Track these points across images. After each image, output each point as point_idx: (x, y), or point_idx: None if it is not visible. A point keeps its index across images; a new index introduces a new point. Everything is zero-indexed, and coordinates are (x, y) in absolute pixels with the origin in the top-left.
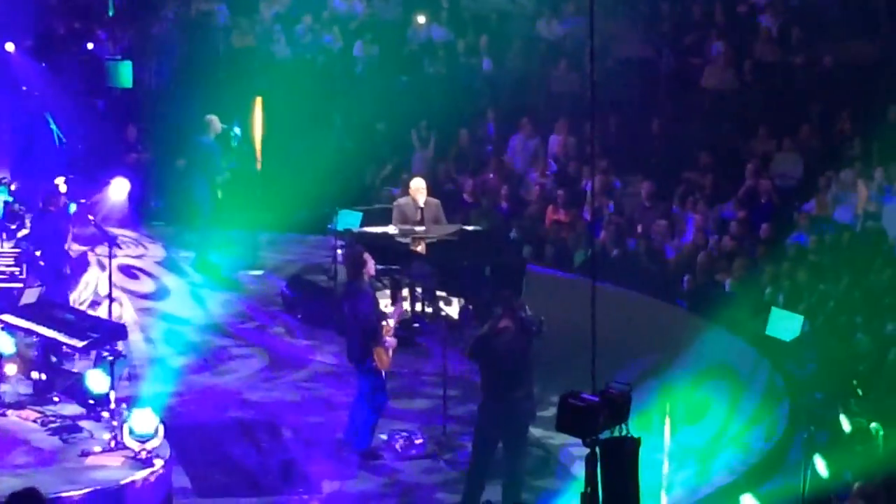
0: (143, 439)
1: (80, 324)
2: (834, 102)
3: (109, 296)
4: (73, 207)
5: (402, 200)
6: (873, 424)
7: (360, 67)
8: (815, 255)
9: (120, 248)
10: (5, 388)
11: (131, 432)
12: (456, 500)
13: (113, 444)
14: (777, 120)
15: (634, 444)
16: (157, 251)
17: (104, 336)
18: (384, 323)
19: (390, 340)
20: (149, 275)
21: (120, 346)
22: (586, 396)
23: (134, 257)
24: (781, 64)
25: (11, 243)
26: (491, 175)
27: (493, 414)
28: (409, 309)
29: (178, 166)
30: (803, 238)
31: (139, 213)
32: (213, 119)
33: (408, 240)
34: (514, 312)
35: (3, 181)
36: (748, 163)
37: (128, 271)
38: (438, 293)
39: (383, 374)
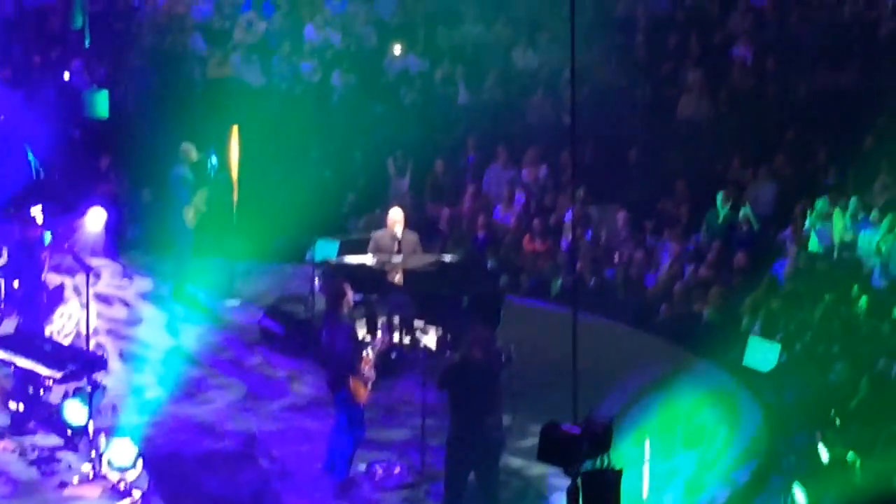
0: (121, 470)
1: (58, 354)
2: (809, 131)
3: (87, 326)
4: (48, 237)
5: (378, 233)
6: (850, 454)
7: (336, 97)
8: (792, 284)
9: (97, 277)
10: None
11: (110, 463)
12: None
13: (91, 474)
14: (752, 149)
15: (616, 475)
16: (133, 281)
17: (82, 366)
18: (364, 354)
19: (369, 373)
20: (126, 304)
21: (98, 376)
22: (568, 427)
23: (110, 287)
24: (756, 93)
25: None
26: (467, 205)
27: (462, 444)
28: (386, 338)
29: (143, 197)
30: (782, 267)
31: (116, 243)
32: (189, 148)
33: (385, 270)
34: (484, 342)
35: None
36: (723, 192)
37: (105, 301)
38: (416, 323)
39: (361, 404)
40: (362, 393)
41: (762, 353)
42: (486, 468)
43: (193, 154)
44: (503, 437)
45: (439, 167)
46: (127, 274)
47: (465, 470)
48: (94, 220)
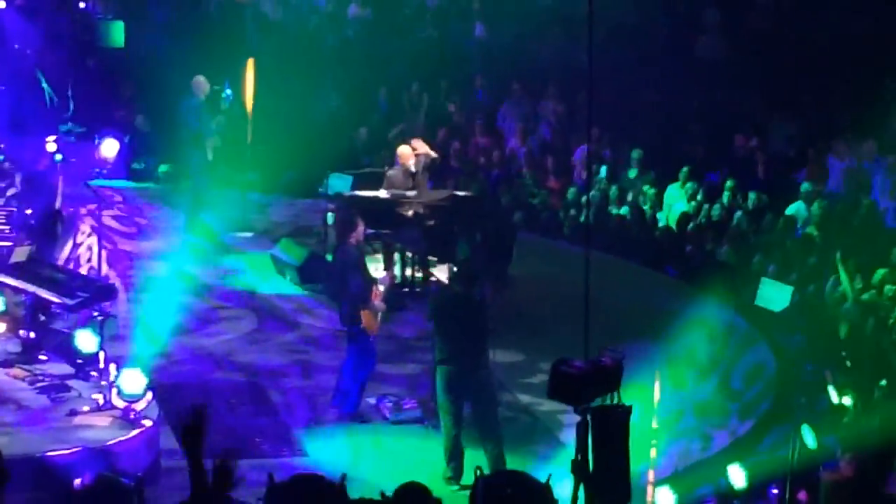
0: (131, 399)
1: (70, 283)
2: (827, 74)
3: (99, 255)
4: (62, 166)
5: (391, 171)
6: (852, 396)
7: (351, 30)
8: (807, 226)
9: (110, 207)
10: None
11: (120, 392)
12: (444, 464)
13: (101, 403)
14: (770, 90)
15: (625, 412)
16: (146, 211)
17: (94, 295)
18: (375, 288)
19: (379, 305)
20: (138, 234)
21: (109, 305)
22: (578, 364)
23: (123, 217)
24: (775, 34)
25: (1, 202)
26: (481, 140)
27: (449, 377)
28: (399, 273)
29: (156, 127)
30: (798, 209)
31: (129, 173)
32: (201, 80)
33: (398, 204)
34: (467, 278)
35: None
36: (740, 133)
37: (117, 230)
38: (429, 258)
39: (372, 338)
40: (373, 326)
41: (775, 294)
42: (478, 403)
43: (205, 86)
44: (489, 374)
45: (454, 103)
46: (139, 204)
47: (456, 402)
48: (108, 149)
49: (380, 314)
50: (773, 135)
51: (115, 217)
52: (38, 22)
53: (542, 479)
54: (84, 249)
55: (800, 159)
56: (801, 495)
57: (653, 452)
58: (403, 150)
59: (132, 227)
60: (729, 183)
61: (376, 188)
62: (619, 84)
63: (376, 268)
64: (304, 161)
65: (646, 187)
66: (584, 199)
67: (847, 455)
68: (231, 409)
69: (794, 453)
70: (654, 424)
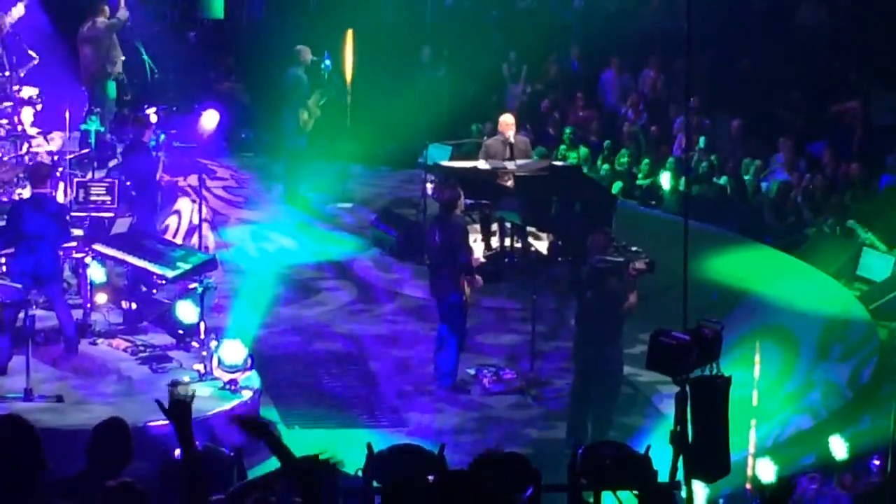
0: (232, 370)
1: (171, 254)
2: None
3: (199, 226)
4: (163, 137)
5: (489, 140)
6: None
7: (450, 0)
8: None
9: (211, 178)
10: (96, 316)
11: (220, 363)
12: (544, 435)
13: (202, 374)
14: (871, 58)
15: (725, 382)
16: (246, 182)
17: (194, 266)
18: (473, 258)
19: (478, 278)
20: (238, 205)
21: (210, 276)
22: (677, 335)
23: (223, 188)
24: (877, 1)
25: (103, 173)
26: (581, 110)
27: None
28: (497, 244)
29: (257, 98)
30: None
31: (229, 144)
32: (304, 49)
33: (497, 174)
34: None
35: (95, 111)
36: (840, 101)
37: (218, 201)
38: (528, 228)
39: (466, 309)
40: (469, 296)
41: (876, 263)
42: (602, 384)
43: (308, 56)
44: (621, 353)
45: (553, 72)
46: (240, 175)
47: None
48: (208, 120)
49: (477, 286)
50: (874, 104)
51: (215, 188)
52: None
53: (642, 450)
54: (184, 220)
55: None
56: None
57: (753, 423)
58: (505, 118)
59: (232, 198)
60: (829, 152)
61: (475, 159)
62: (718, 53)
63: (474, 238)
64: (403, 132)
65: (746, 158)
66: (682, 168)
67: None
68: (331, 380)
69: (895, 424)
70: (754, 394)
